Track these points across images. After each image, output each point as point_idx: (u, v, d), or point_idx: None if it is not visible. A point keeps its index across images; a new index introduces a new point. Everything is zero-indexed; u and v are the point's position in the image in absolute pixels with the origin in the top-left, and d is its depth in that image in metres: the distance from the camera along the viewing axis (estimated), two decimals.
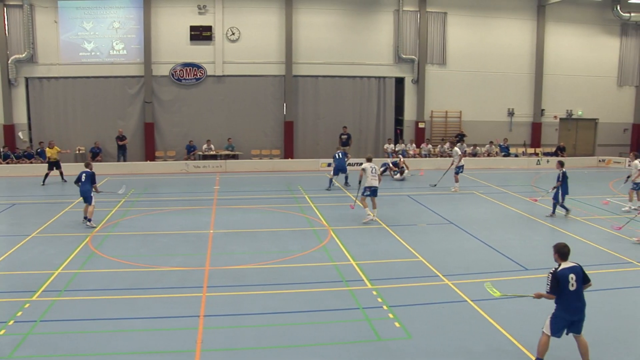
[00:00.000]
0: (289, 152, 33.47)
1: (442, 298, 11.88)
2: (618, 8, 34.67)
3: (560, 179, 19.26)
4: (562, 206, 19.59)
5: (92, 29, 31.40)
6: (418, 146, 34.08)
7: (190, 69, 32.10)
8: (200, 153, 32.00)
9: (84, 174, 18.07)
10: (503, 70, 35.20)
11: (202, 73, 32.21)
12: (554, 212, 19.73)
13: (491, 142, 34.51)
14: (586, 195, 23.70)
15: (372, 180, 18.50)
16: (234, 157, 32.18)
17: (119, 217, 19.36)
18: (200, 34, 32.00)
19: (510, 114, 35.67)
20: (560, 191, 19.39)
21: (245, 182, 27.55)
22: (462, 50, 34.59)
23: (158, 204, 22.09)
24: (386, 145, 32.40)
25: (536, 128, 36.08)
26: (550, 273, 8.61)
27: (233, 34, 32.32)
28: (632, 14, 34.85)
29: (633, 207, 20.72)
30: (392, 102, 34.69)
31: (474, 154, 33.57)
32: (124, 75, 31.87)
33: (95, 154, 30.63)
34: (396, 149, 32.34)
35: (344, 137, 32.41)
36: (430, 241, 16.74)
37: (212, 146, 32.10)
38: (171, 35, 31.81)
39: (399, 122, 35.16)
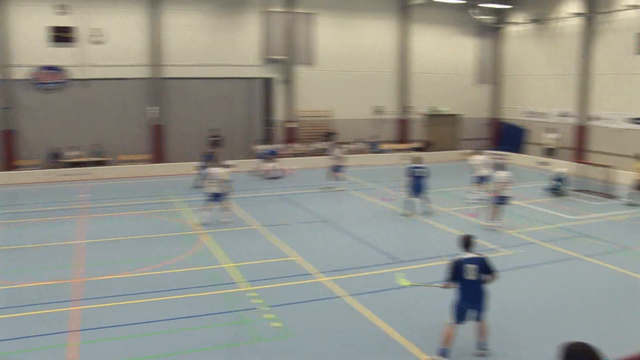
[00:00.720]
0: (158, 157, 32.69)
1: (318, 295, 12.16)
2: (474, 11, 36.77)
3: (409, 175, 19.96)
4: (407, 202, 20.15)
5: None
6: (289, 145, 34.37)
7: (51, 73, 30.53)
8: (66, 160, 30.56)
9: None
10: (370, 69, 36.27)
11: (65, 76, 30.72)
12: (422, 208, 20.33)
13: (359, 140, 35.43)
14: (450, 188, 25.01)
15: (209, 187, 19.01)
16: (102, 163, 31.02)
17: None
18: (61, 36, 30.46)
19: (378, 111, 36.81)
20: (410, 187, 19.96)
21: (114, 189, 26.61)
22: (330, 50, 35.25)
23: (21, 216, 20.74)
24: (257, 146, 32.38)
25: (403, 124, 37.50)
26: (450, 262, 9.18)
27: (97, 36, 31.09)
28: (486, 17, 37.14)
29: (476, 198, 21.95)
30: (261, 102, 34.77)
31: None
32: None
33: None
34: (269, 149, 32.37)
35: (213, 139, 32.06)
36: (303, 240, 17.05)
37: (78, 152, 30.74)
38: (30, 36, 29.91)
39: (269, 122, 35.30)
